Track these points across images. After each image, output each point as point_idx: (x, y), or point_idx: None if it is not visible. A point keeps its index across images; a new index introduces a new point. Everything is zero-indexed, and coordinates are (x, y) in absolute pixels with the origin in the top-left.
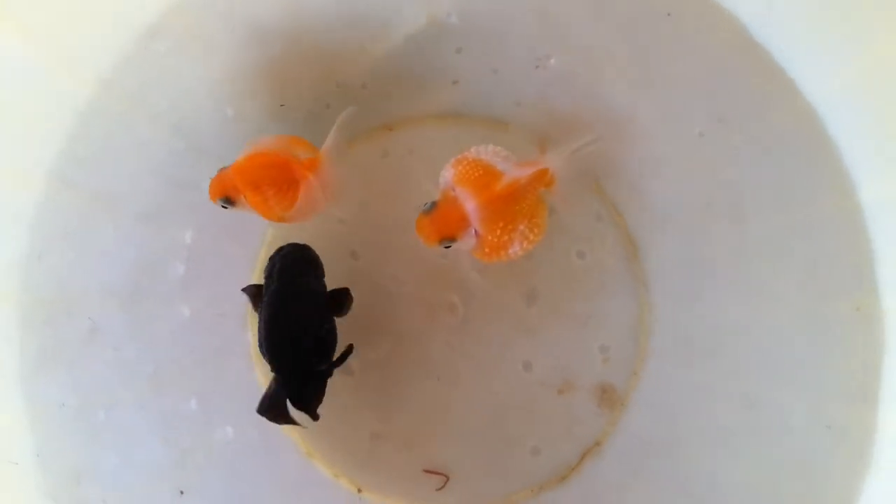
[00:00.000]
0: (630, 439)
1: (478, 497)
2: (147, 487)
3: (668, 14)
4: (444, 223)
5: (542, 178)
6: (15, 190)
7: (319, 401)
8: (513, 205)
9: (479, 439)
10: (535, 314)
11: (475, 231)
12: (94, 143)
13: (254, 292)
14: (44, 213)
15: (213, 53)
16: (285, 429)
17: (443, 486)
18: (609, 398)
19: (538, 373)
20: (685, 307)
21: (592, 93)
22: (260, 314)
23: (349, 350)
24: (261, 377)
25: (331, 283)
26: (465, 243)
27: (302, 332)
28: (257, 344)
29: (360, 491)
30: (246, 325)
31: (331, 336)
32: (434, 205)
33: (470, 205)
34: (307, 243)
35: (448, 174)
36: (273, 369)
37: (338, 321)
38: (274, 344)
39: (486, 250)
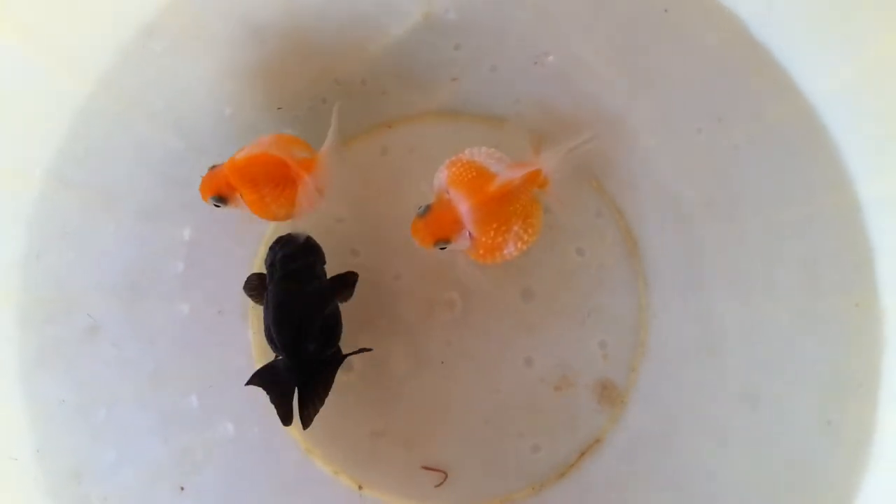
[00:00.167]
0: (630, 436)
1: (478, 494)
2: (147, 484)
3: (666, 10)
4: (438, 225)
5: (535, 179)
6: (14, 189)
7: (326, 392)
8: (506, 206)
9: (479, 436)
10: (534, 311)
11: (469, 233)
12: (92, 142)
13: (256, 282)
14: (43, 212)
15: (211, 52)
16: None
17: (441, 483)
18: (608, 395)
19: (538, 369)
20: (684, 304)
21: (591, 90)
22: (266, 303)
23: (365, 350)
24: None
25: None
26: (460, 245)
27: (309, 317)
28: (264, 333)
29: (360, 488)
30: (246, 322)
31: (336, 321)
32: (428, 207)
33: (463, 207)
34: None
35: (442, 176)
36: (283, 356)
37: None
38: (283, 330)
39: (481, 252)
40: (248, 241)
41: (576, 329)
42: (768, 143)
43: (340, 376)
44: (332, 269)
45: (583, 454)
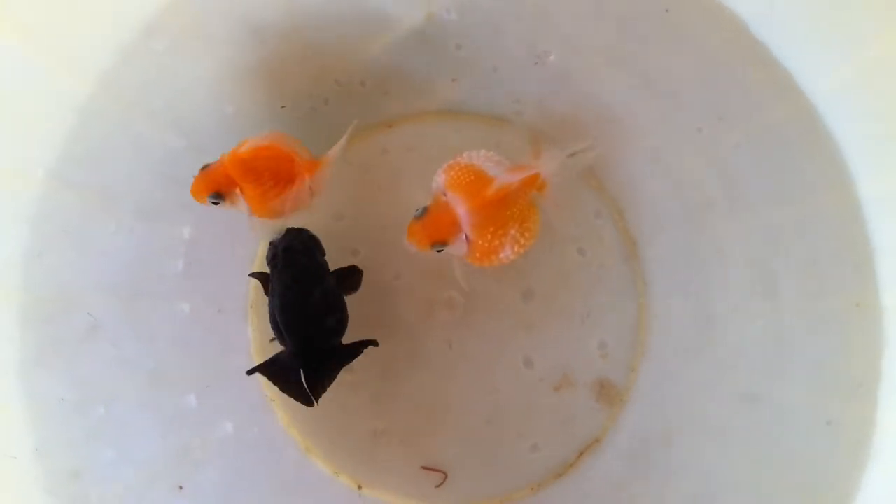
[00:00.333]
0: (629, 435)
1: (478, 494)
2: (146, 483)
3: (667, 10)
4: (435, 228)
5: (533, 183)
6: (14, 189)
7: (331, 380)
8: (504, 209)
9: (479, 436)
10: (533, 311)
11: (466, 236)
12: (93, 141)
13: (261, 278)
14: (43, 212)
15: (212, 51)
16: (285, 425)
17: (441, 483)
18: (607, 394)
19: (537, 369)
20: (683, 303)
21: (591, 89)
22: (271, 295)
23: (372, 342)
24: None
25: None
26: (457, 248)
27: (315, 306)
28: (270, 323)
29: (360, 488)
30: (245, 321)
31: (342, 311)
32: (425, 210)
33: (461, 210)
34: None
35: (439, 179)
36: (291, 346)
37: None
38: (290, 320)
39: (478, 255)
40: (248, 241)
41: (575, 329)
42: (768, 142)
43: (340, 376)
44: (332, 267)
45: (582, 454)
